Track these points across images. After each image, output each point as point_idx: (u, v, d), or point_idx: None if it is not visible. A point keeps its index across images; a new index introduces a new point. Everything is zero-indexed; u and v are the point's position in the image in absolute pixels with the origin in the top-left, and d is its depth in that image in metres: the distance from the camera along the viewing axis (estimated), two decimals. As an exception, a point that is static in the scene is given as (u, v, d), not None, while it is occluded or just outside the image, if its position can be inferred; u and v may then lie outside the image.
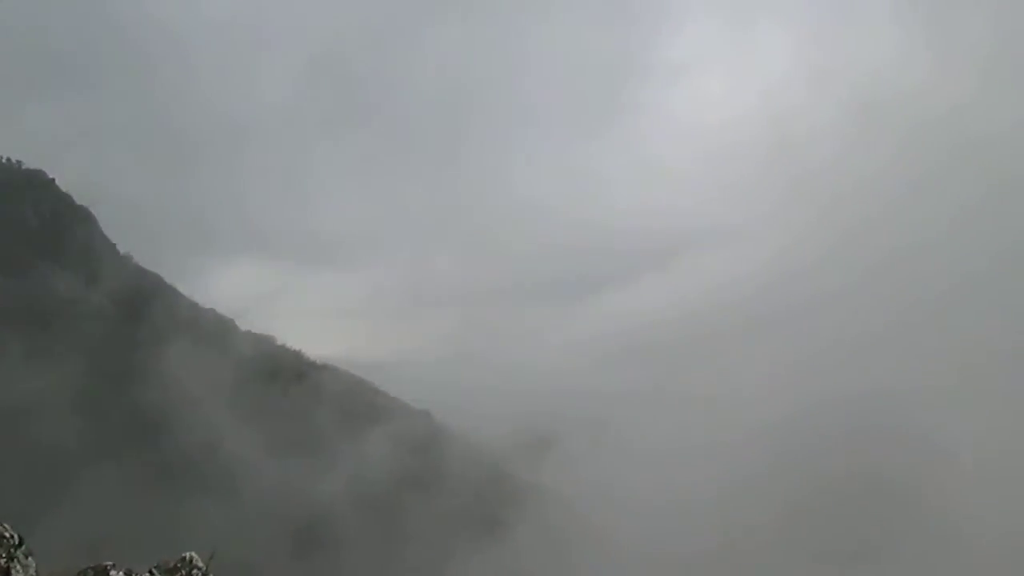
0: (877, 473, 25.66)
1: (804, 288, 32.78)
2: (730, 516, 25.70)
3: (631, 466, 30.42)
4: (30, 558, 4.52)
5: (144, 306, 28.81)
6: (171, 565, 5.36)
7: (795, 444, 28.04)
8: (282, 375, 30.91)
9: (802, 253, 35.49)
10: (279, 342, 32.03)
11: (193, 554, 5.64)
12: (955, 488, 21.34)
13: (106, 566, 4.73)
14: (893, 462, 26.36)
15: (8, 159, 40.20)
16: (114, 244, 29.56)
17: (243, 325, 31.36)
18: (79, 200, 36.96)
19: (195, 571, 5.37)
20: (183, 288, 31.67)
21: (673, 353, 35.18)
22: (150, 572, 5.08)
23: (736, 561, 25.51)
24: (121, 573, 4.72)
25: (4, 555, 4.22)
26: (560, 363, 38.83)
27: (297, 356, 31.60)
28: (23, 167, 39.91)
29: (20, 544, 4.48)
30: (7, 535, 4.39)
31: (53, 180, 39.13)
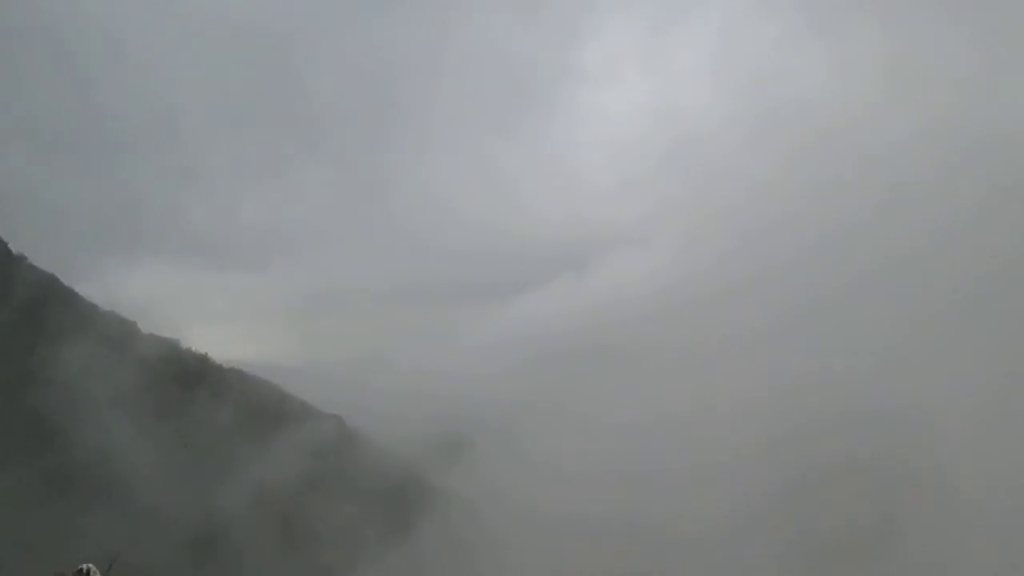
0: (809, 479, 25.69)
1: (710, 286, 33.43)
2: (639, 531, 25.96)
3: (540, 474, 30.69)
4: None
5: (40, 308, 27.64)
6: (68, 576, 5.22)
7: (714, 447, 28.47)
8: (186, 379, 30.06)
9: (713, 253, 36.31)
10: (184, 345, 31.16)
11: (90, 565, 5.52)
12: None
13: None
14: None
15: None
16: (7, 243, 28.27)
17: (146, 328, 30.34)
18: (-33, 197, 35.12)
19: (93, 582, 5.23)
20: (81, 289, 30.54)
21: (585, 356, 35.44)
22: (45, 584, 4.94)
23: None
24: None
25: None
26: (473, 366, 38.76)
27: (203, 359, 30.73)
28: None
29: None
30: None
31: (-61, 176, 37.08)
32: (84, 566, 5.40)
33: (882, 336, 26.71)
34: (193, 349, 32.61)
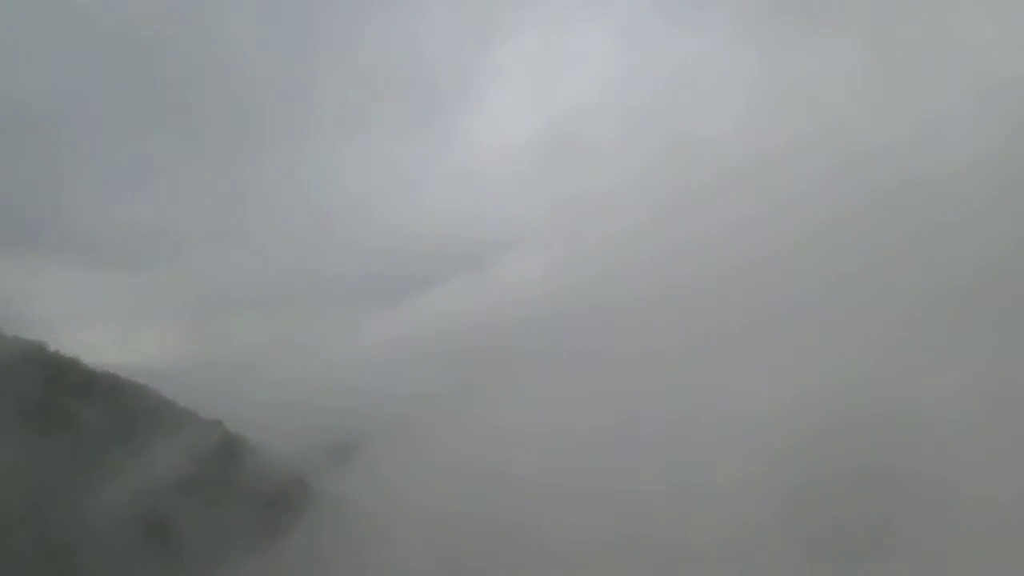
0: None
1: (621, 290, 33.56)
2: (542, 531, 25.74)
3: (434, 476, 30.31)
4: None
5: None
6: None
7: (607, 451, 28.42)
8: (55, 384, 28.60)
9: (610, 258, 36.51)
10: (52, 348, 29.63)
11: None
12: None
13: None
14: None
15: None
16: None
17: (10, 330, 28.76)
18: None
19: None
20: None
21: (482, 358, 35.20)
22: None
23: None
24: None
25: None
26: (366, 368, 38.10)
27: (73, 363, 29.29)
28: None
29: None
30: None
31: None
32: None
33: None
34: (62, 352, 31.17)
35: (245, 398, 38.16)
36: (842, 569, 21.52)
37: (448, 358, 35.34)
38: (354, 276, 48.19)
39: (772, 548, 22.34)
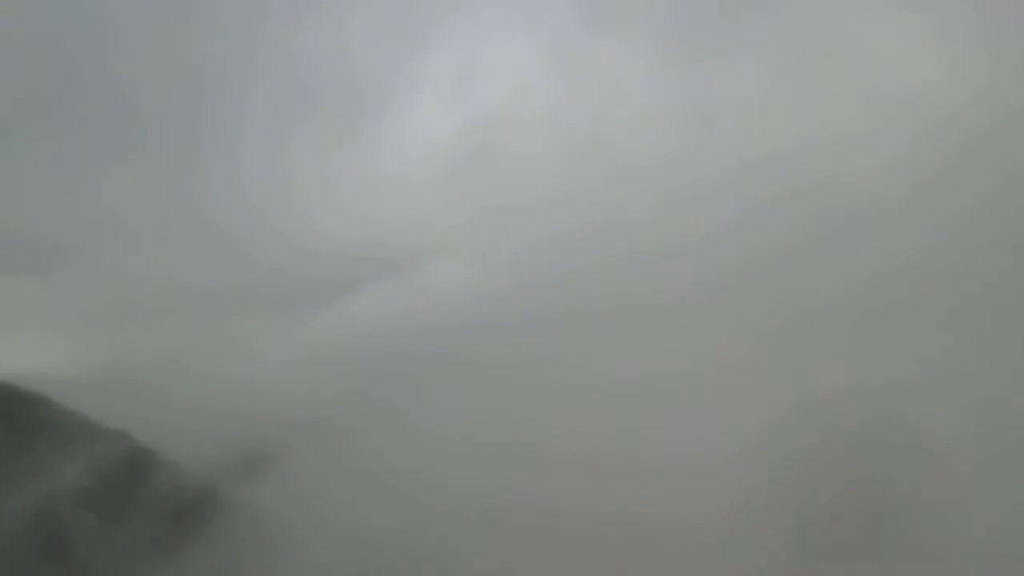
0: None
1: (546, 300, 33.40)
2: (463, 547, 25.29)
3: (354, 486, 29.64)
4: None
5: None
6: None
7: (534, 465, 28.07)
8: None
9: (534, 267, 36.35)
10: (-58, 357, 28.08)
11: None
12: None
13: None
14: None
15: None
16: None
17: None
18: None
19: None
20: None
21: (403, 364, 34.66)
22: None
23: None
24: None
25: None
26: (283, 373, 37.15)
27: (-31, 373, 27.84)
28: None
29: None
30: None
31: None
32: None
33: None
34: (-46, 361, 29.59)
35: (155, 407, 36.78)
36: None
37: (368, 364, 34.75)
38: (274, 279, 46.74)
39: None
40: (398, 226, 40.29)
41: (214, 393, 39.30)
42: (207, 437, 36.67)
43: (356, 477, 29.73)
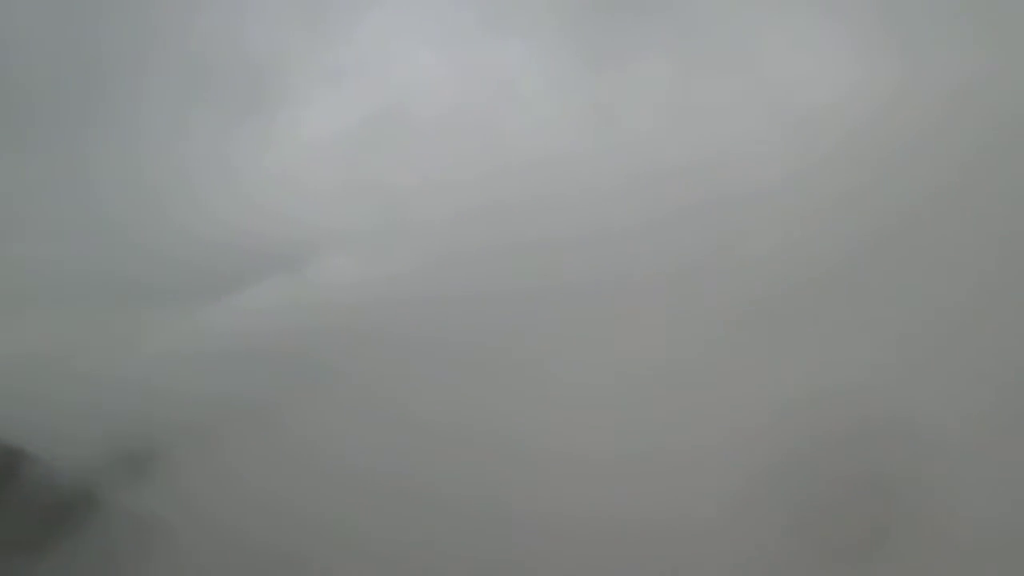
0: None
1: (449, 295, 32.86)
2: (352, 560, 24.66)
3: (239, 491, 28.66)
4: None
5: None
6: None
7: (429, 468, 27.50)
8: None
9: (433, 265, 35.74)
10: None
11: None
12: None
13: None
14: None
15: None
16: None
17: None
18: None
19: None
20: None
21: (295, 363, 33.63)
22: None
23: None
24: None
25: None
26: (166, 369, 35.63)
27: None
28: None
29: None
30: None
31: None
32: None
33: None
34: None
35: (29, 403, 34.86)
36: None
37: (258, 362, 33.63)
38: (161, 269, 45.13)
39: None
40: (292, 218, 39.11)
41: (93, 389, 37.42)
42: (83, 436, 34.84)
43: (240, 480, 28.81)
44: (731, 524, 23.03)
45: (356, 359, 32.21)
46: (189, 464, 31.75)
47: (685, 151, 28.42)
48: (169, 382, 35.13)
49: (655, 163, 27.29)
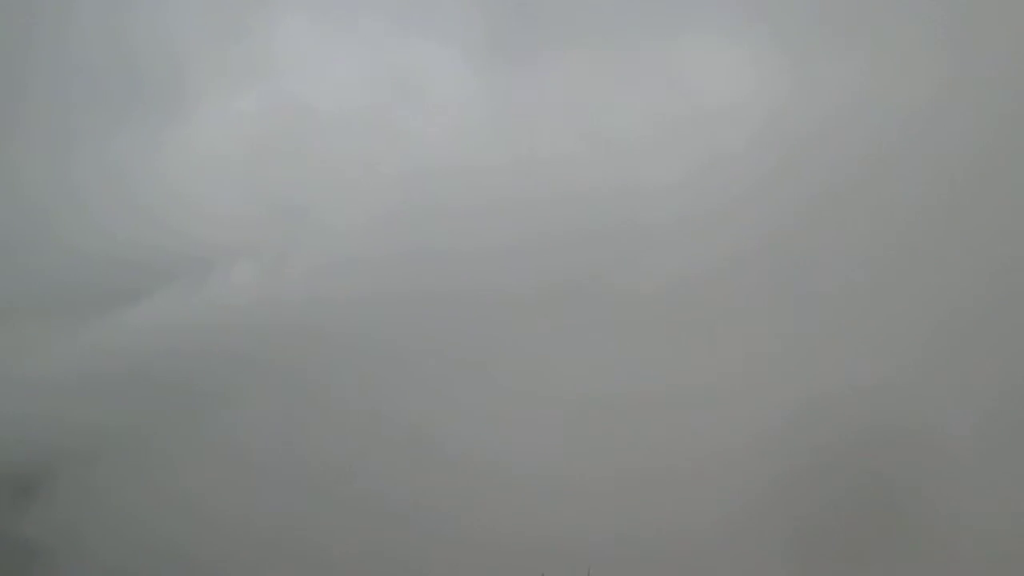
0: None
1: (333, 310, 31.70)
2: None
3: (127, 518, 27.28)
4: None
5: None
6: None
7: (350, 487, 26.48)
8: None
9: (337, 274, 34.56)
10: None
11: None
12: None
13: None
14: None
15: None
16: None
17: None
18: None
19: None
20: None
21: (190, 382, 32.03)
22: None
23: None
24: None
25: None
26: (53, 391, 33.60)
27: None
28: None
29: None
30: None
31: None
32: None
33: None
34: None
35: None
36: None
37: (144, 383, 31.83)
38: (44, 285, 42.70)
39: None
40: (186, 230, 37.29)
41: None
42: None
43: (121, 506, 27.59)
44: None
45: (250, 379, 30.82)
46: (70, 490, 30.09)
47: (596, 154, 28.38)
48: (51, 405, 33.06)
49: (565, 165, 27.27)
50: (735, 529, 21.90)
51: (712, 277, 25.49)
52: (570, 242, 28.66)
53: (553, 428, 25.78)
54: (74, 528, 28.23)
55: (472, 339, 29.20)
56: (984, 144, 25.46)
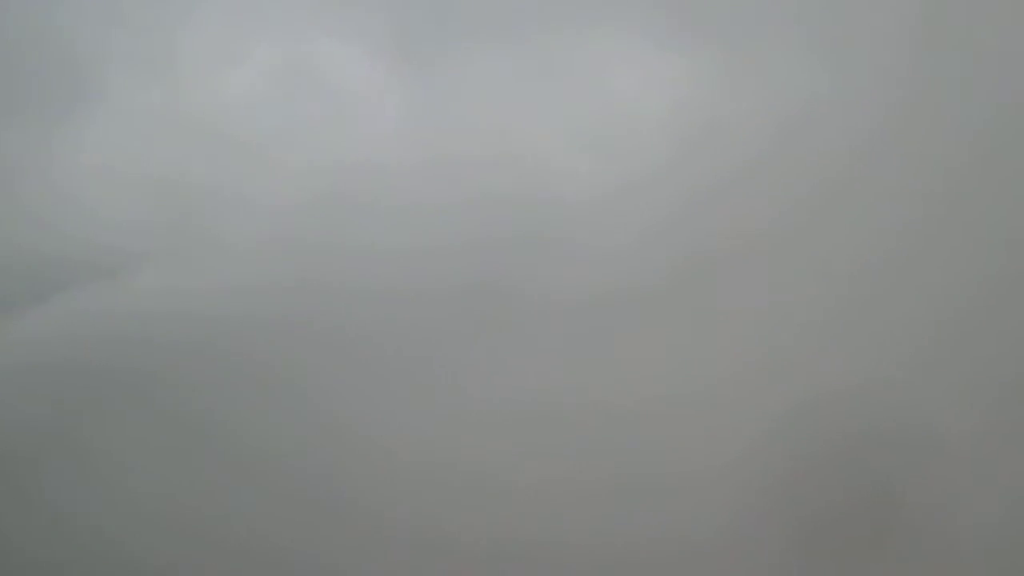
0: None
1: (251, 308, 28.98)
2: None
3: (46, 526, 24.60)
4: None
5: None
6: None
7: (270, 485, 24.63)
8: None
9: (247, 270, 31.67)
10: None
11: None
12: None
13: None
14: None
15: None
16: None
17: None
18: None
19: None
20: None
21: (105, 382, 28.77)
22: None
23: None
24: None
25: None
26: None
27: None
28: None
29: None
30: None
31: None
32: None
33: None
34: None
35: None
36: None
37: (64, 382, 28.61)
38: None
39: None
40: (102, 221, 34.12)
41: None
42: None
43: (38, 515, 24.92)
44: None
45: (179, 373, 28.24)
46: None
47: (509, 158, 27.05)
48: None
49: (477, 167, 25.73)
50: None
51: (639, 286, 24.35)
52: (479, 247, 26.58)
53: (477, 431, 24.24)
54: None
55: (384, 336, 27.80)
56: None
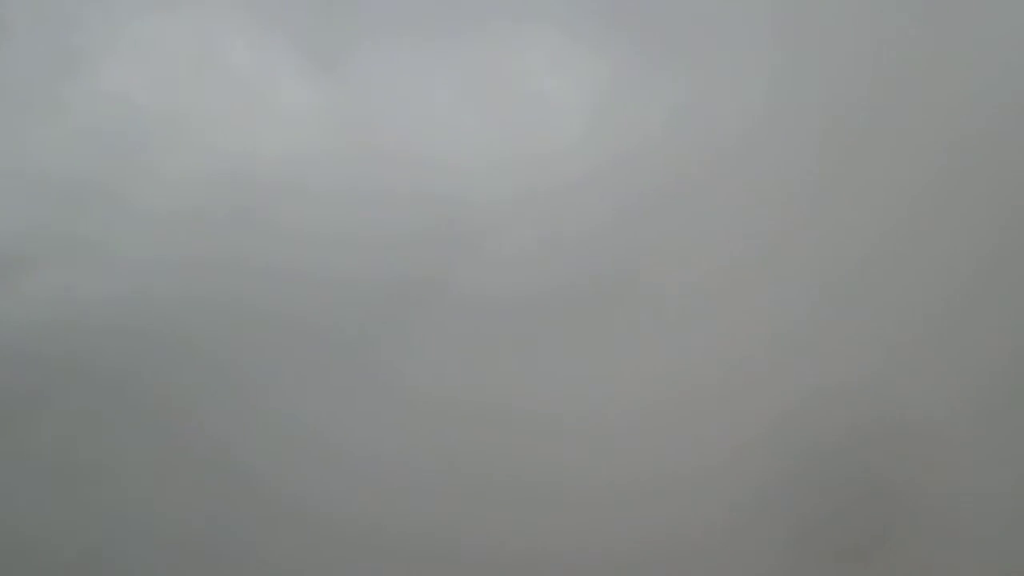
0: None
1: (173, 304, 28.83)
2: None
3: None
4: None
5: None
6: None
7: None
8: None
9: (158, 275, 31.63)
10: None
11: None
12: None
13: None
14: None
15: None
16: None
17: None
18: None
19: None
20: None
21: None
22: None
23: None
24: None
25: None
26: None
27: None
28: None
29: None
30: None
31: None
32: None
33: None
34: None
35: None
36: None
37: None
38: None
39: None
40: (32, 220, 33.48)
41: None
42: None
43: None
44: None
45: (70, 385, 27.89)
46: None
47: (420, 154, 27.28)
48: None
49: (389, 162, 25.86)
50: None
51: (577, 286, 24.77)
52: (394, 242, 26.86)
53: (389, 427, 24.45)
54: None
55: (284, 348, 27.45)
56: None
